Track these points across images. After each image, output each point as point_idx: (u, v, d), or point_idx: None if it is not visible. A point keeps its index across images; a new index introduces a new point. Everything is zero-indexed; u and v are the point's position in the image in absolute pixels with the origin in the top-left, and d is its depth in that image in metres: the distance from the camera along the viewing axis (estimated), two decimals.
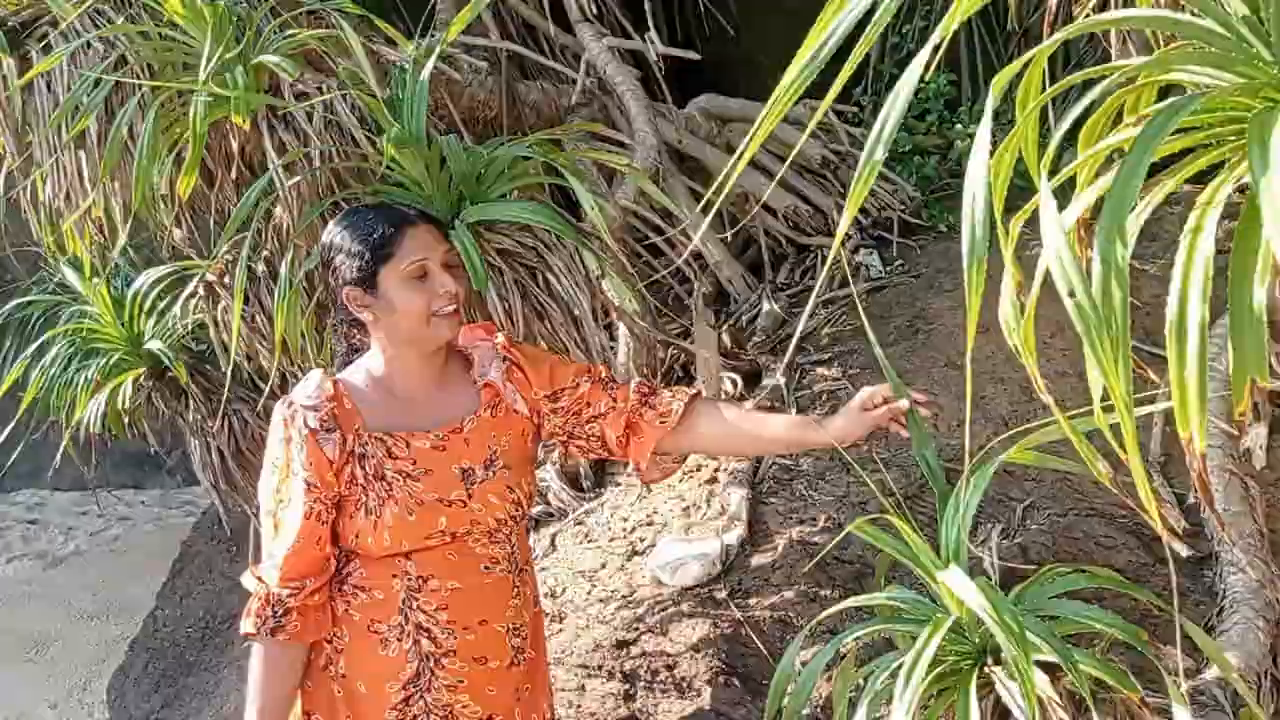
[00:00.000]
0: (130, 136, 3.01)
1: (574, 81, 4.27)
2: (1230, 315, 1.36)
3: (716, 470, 3.27)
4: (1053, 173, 1.43)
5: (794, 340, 3.61)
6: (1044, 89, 1.63)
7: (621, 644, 2.77)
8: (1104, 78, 1.50)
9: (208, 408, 4.30)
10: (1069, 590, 2.05)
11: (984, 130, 1.39)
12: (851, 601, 2.13)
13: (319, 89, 2.99)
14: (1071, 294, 1.28)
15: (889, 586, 2.27)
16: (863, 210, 4.26)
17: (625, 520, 3.31)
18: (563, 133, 3.26)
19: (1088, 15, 1.78)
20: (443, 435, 2.06)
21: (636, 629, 2.80)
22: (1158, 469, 2.87)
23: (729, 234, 4.28)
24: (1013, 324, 1.65)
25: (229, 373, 4.17)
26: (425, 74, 2.94)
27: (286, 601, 1.94)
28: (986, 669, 1.98)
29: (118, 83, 2.98)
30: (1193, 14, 1.47)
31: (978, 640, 2.04)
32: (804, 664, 2.43)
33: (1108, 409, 1.35)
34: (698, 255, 4.26)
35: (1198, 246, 1.38)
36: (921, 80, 3.93)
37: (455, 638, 2.06)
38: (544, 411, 2.19)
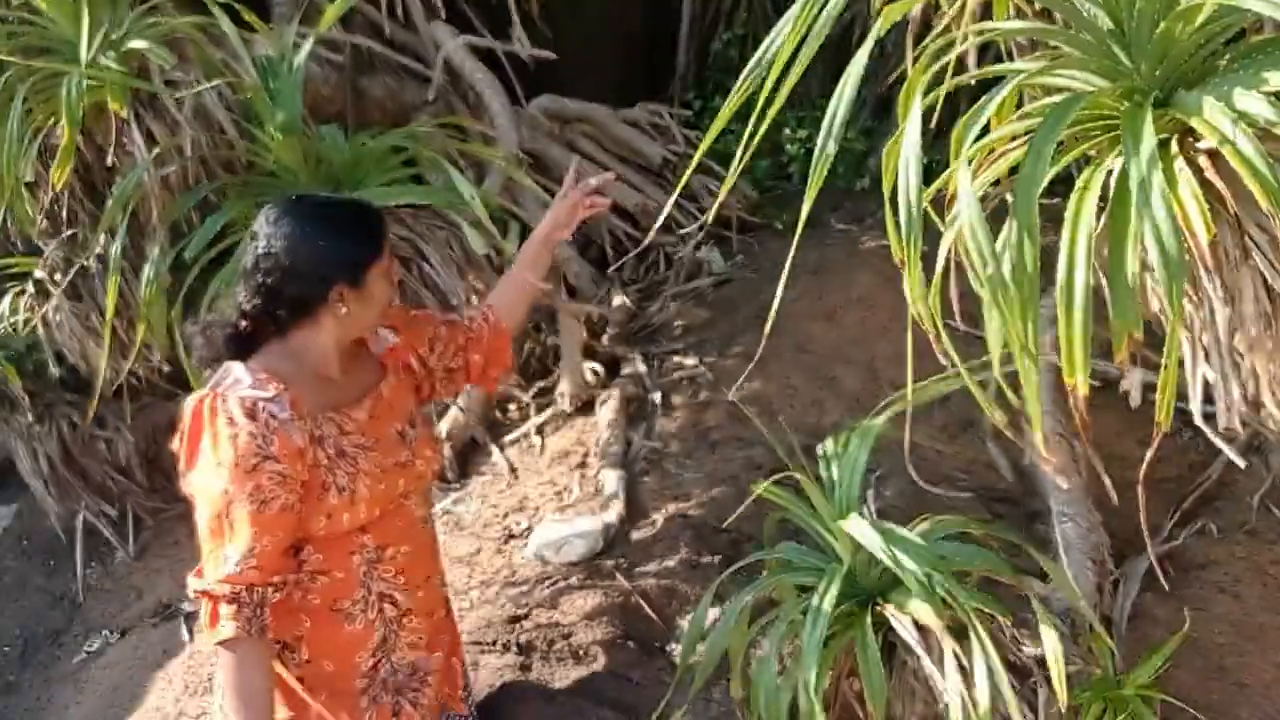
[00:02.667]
0: None
1: (418, 77, 4.33)
2: (1110, 279, 1.62)
3: (586, 455, 3.41)
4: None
5: (651, 330, 3.81)
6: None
7: (514, 619, 2.87)
8: (1000, 78, 1.73)
9: (35, 411, 4.11)
10: (943, 535, 2.31)
11: (913, 127, 1.59)
12: (754, 557, 2.32)
13: (190, 77, 2.96)
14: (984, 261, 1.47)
15: (779, 546, 2.48)
16: (701, 209, 4.50)
17: (496, 507, 3.40)
18: (428, 126, 3.34)
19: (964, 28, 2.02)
20: (372, 403, 2.13)
21: (525, 605, 2.91)
22: (991, 436, 3.19)
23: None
24: (916, 295, 1.86)
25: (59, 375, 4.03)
26: (300, 64, 2.97)
27: (270, 598, 1.93)
28: (879, 608, 2.20)
29: None
30: (1068, 26, 1.73)
31: (867, 585, 2.26)
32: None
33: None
34: None
35: (1080, 223, 1.62)
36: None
37: (411, 596, 2.15)
38: (430, 364, 2.32)
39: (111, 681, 3.67)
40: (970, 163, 1.82)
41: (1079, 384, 1.56)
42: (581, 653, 2.73)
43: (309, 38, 3.11)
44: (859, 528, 2.10)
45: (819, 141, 1.76)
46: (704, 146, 2.12)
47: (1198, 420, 1.80)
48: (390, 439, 2.13)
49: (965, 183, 1.48)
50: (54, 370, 3.86)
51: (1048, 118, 1.56)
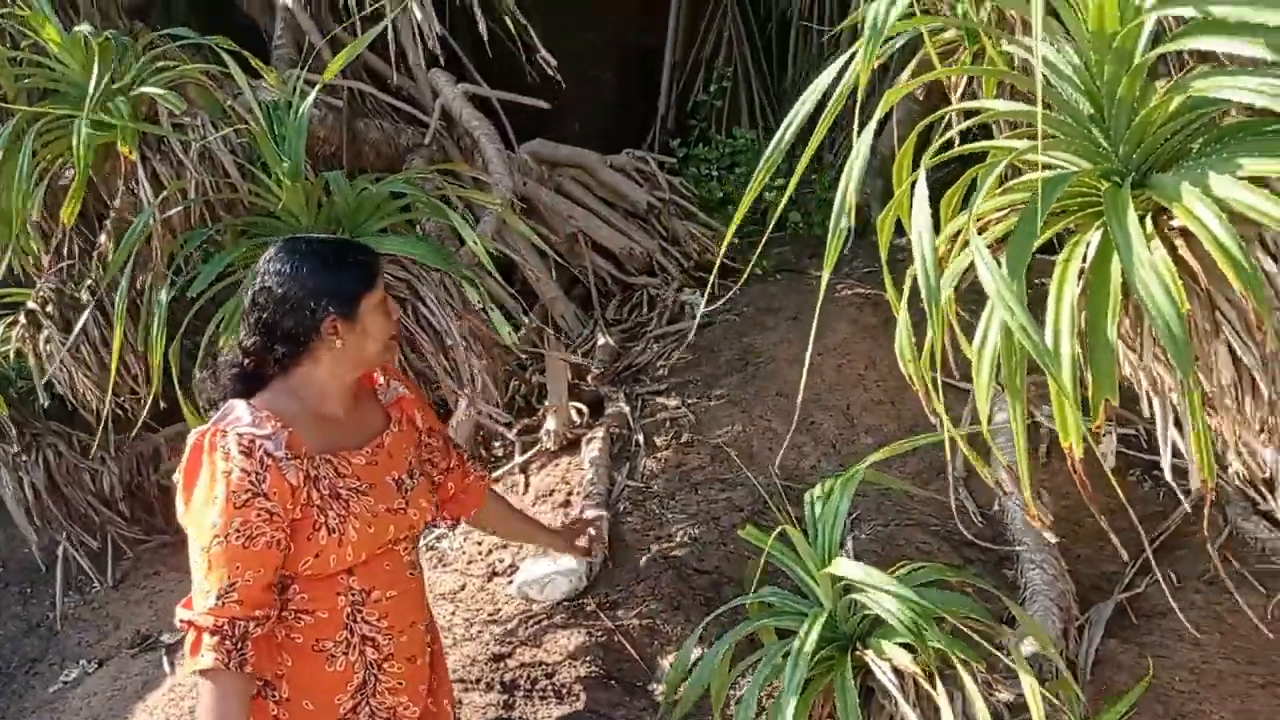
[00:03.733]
0: None
1: (413, 121, 4.43)
2: (1089, 348, 1.73)
3: (569, 494, 3.48)
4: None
5: (634, 370, 3.91)
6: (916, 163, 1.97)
7: (497, 657, 2.93)
8: (985, 154, 1.85)
9: (21, 441, 4.13)
10: (922, 582, 2.41)
11: (921, 201, 1.70)
12: (737, 601, 2.41)
13: (195, 121, 3.03)
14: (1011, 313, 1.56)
15: (760, 590, 2.57)
16: (684, 254, 4.61)
17: (480, 544, 3.46)
18: (425, 171, 3.43)
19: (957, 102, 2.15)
20: (372, 451, 2.22)
21: (510, 643, 2.97)
22: (961, 484, 3.31)
23: (552, 271, 4.53)
24: (907, 356, 1.97)
25: (46, 405, 4.06)
26: (305, 110, 3.05)
27: (253, 632, 1.99)
28: (858, 653, 2.29)
29: None
30: (1048, 109, 1.85)
31: (847, 630, 2.35)
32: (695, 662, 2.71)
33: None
34: (530, 291, 4.48)
35: (1064, 293, 1.74)
36: (730, 136, 4.36)
37: (393, 641, 2.21)
38: (420, 439, 2.40)
39: (91, 712, 3.68)
40: (959, 233, 1.94)
41: (1075, 447, 1.67)
42: (564, 691, 2.80)
43: (311, 83, 3.20)
44: (852, 569, 2.20)
45: (833, 218, 1.86)
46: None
47: (1169, 476, 1.90)
48: (386, 486, 2.21)
49: (983, 252, 1.58)
50: (43, 400, 3.88)
51: (1038, 191, 1.67)
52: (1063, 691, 2.42)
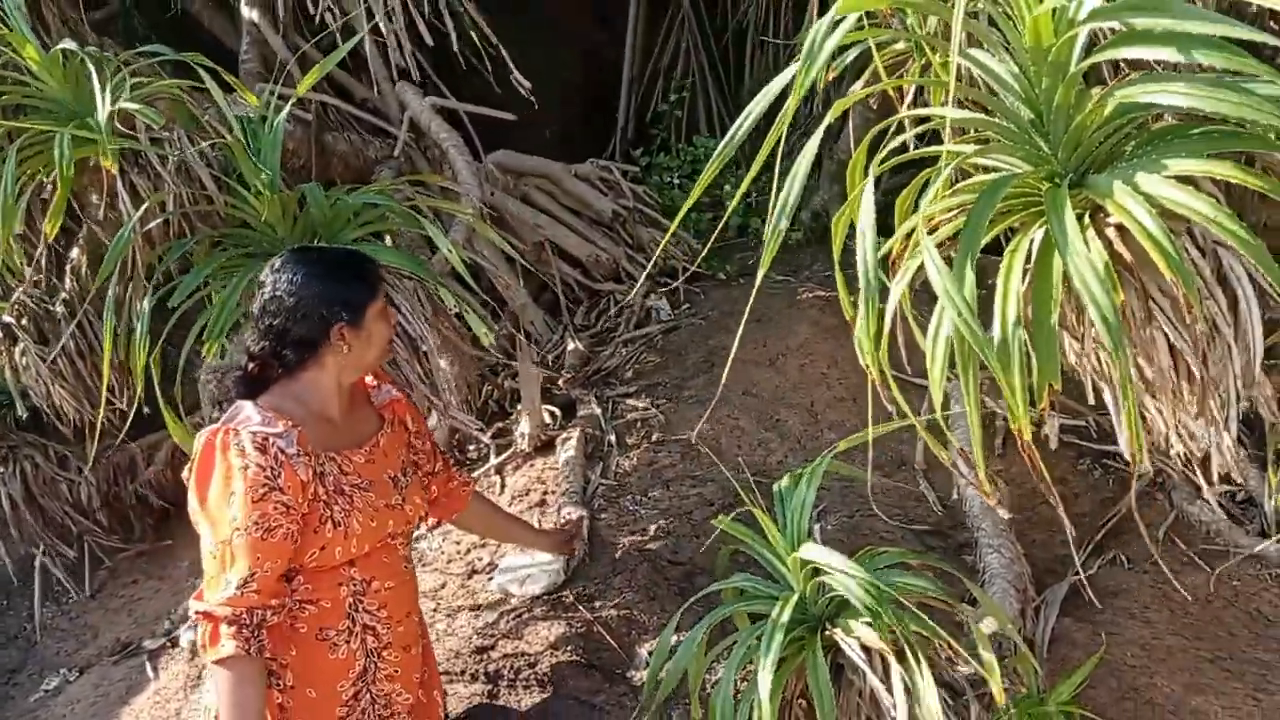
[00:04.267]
0: None
1: (380, 133, 4.53)
2: (1034, 337, 1.86)
3: (545, 494, 3.58)
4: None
5: (604, 374, 4.02)
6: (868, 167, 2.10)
7: (480, 649, 3.03)
8: (935, 158, 1.98)
9: None
10: (884, 565, 2.53)
11: (867, 202, 1.82)
12: (713, 588, 2.53)
13: (172, 135, 3.11)
14: (959, 313, 1.69)
15: (737, 575, 2.68)
16: (648, 259, 4.73)
17: (459, 543, 3.56)
18: (398, 183, 3.52)
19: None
20: (369, 450, 2.35)
21: (492, 635, 3.07)
22: (921, 474, 3.44)
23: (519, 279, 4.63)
24: (867, 348, 2.09)
25: (25, 417, 4.10)
26: (280, 124, 3.13)
27: (269, 620, 2.11)
28: (828, 633, 2.41)
29: None
30: (989, 115, 1.98)
31: (816, 612, 2.47)
32: (652, 654, 2.82)
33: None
34: (499, 298, 4.57)
35: (1010, 286, 1.87)
36: (690, 144, 4.47)
37: (391, 630, 2.34)
38: (409, 440, 2.53)
39: (75, 718, 3.73)
40: (912, 232, 2.07)
41: (1024, 428, 1.80)
42: (546, 680, 2.90)
43: (285, 98, 3.29)
44: (818, 553, 2.32)
45: (771, 219, 1.98)
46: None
47: (1128, 456, 2.02)
48: (383, 483, 2.34)
49: (931, 250, 1.70)
50: (21, 412, 3.93)
51: (982, 194, 1.80)
52: (1021, 666, 2.55)
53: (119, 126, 3.05)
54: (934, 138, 2.36)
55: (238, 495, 2.09)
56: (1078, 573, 3.07)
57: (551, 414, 3.89)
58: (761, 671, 2.26)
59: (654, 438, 3.69)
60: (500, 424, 4.03)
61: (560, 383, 4.11)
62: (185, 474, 2.24)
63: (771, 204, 2.03)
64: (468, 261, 3.21)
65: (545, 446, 3.80)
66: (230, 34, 5.87)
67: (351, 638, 2.28)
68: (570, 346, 4.29)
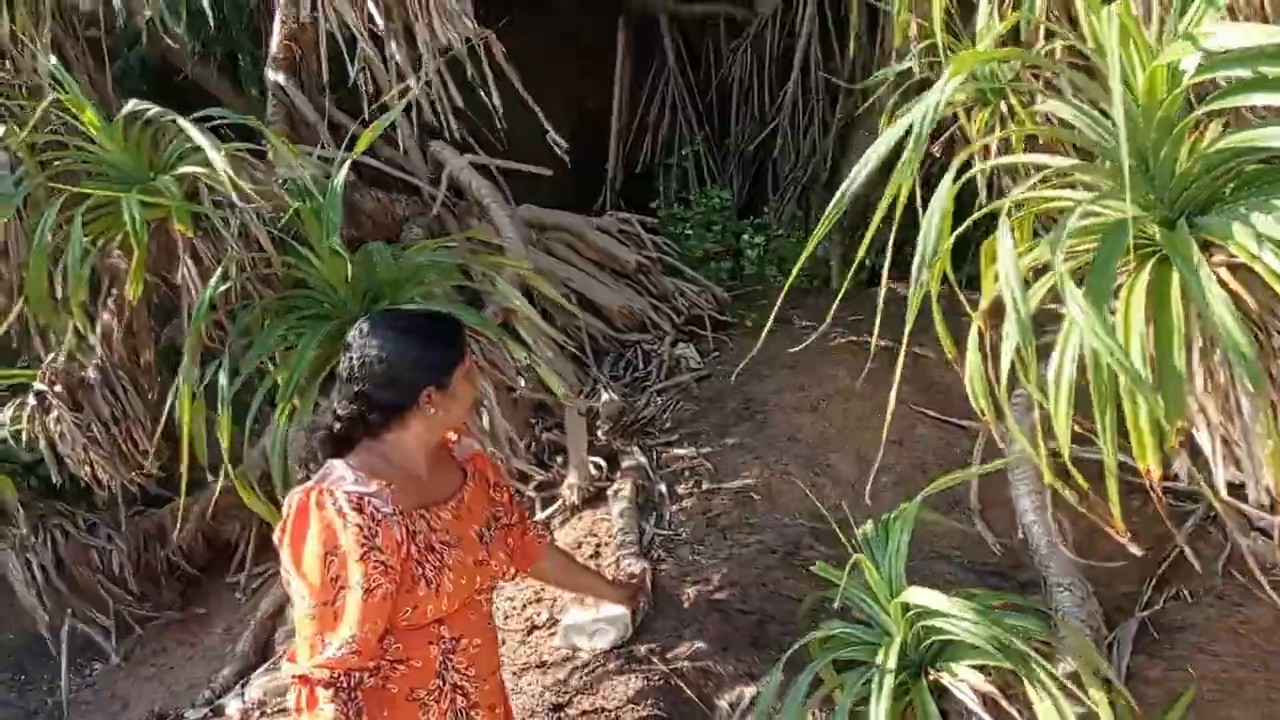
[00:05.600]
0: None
1: (408, 190, 4.55)
2: (1160, 376, 1.90)
3: (599, 545, 3.57)
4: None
5: (642, 424, 4.04)
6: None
7: (555, 707, 3.00)
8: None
9: (29, 523, 4.10)
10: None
11: (1006, 245, 1.86)
12: (817, 634, 2.54)
13: (229, 200, 3.11)
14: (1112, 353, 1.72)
15: (826, 623, 2.69)
16: (674, 310, 4.77)
17: (513, 600, 3.54)
18: (452, 240, 3.55)
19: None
20: (456, 505, 2.33)
21: (565, 693, 3.04)
22: (978, 514, 3.48)
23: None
24: (979, 390, 2.12)
25: (60, 485, 4.05)
26: (339, 184, 3.15)
27: (366, 683, 2.10)
28: (931, 677, 2.42)
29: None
30: (1092, 159, 2.04)
31: (916, 656, 2.48)
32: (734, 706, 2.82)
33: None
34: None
35: (1132, 326, 1.91)
36: (704, 196, 4.55)
37: (479, 690, 2.31)
38: (490, 495, 2.52)
39: None
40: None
41: (1153, 467, 1.83)
42: None
43: (327, 159, 3.32)
44: (925, 596, 2.33)
45: (913, 273, 2.01)
46: None
47: (1223, 493, 2.06)
48: (470, 538, 2.32)
49: (1076, 294, 1.74)
50: (56, 480, 3.88)
51: (1106, 238, 1.85)
52: (1117, 703, 2.57)
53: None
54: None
55: (336, 555, 2.07)
56: (1145, 608, 3.10)
57: (597, 465, 3.89)
58: (876, 713, 2.27)
59: (704, 486, 3.70)
60: (541, 476, 4.02)
61: (600, 434, 4.11)
62: (276, 535, 2.20)
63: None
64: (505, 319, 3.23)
65: (593, 498, 3.80)
66: (229, 95, 5.89)
67: (441, 697, 2.25)
68: (605, 398, 4.30)
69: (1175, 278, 1.92)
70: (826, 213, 2.28)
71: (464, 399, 2.32)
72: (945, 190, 1.99)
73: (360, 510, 2.10)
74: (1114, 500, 1.97)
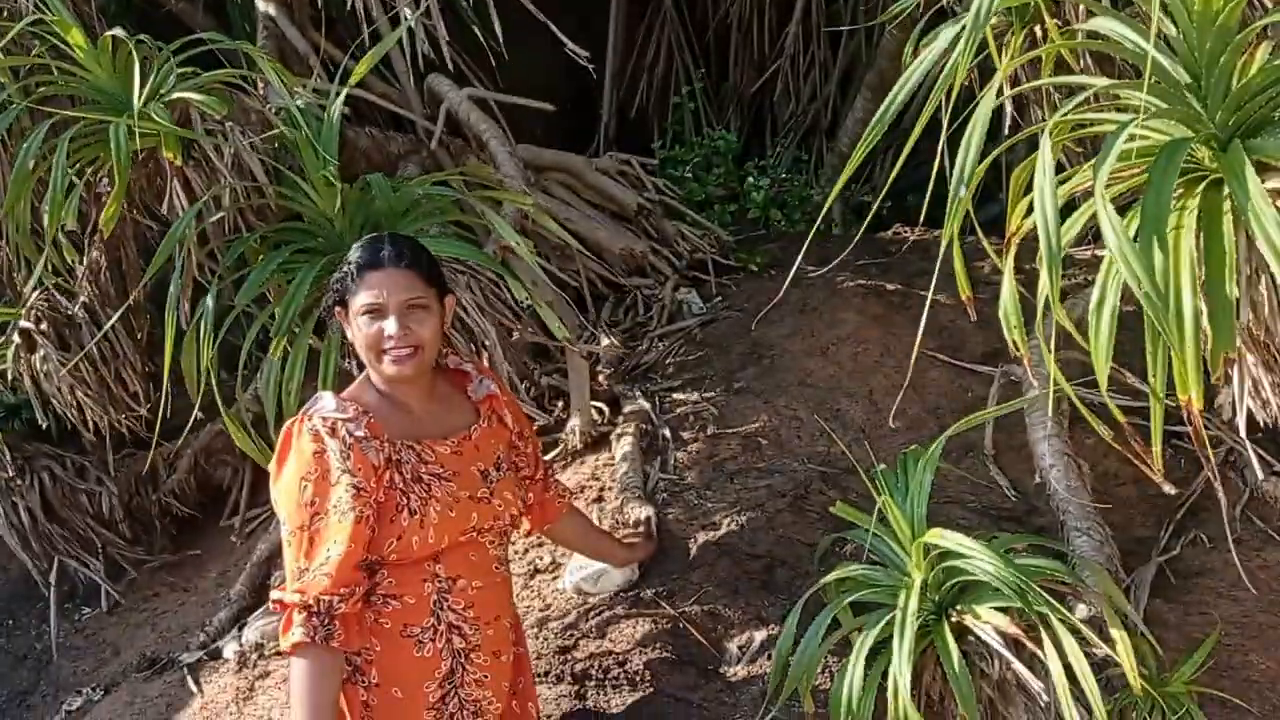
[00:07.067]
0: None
1: (402, 127, 4.41)
2: (1210, 305, 1.82)
3: (602, 490, 3.49)
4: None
5: (644, 369, 3.96)
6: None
7: (563, 649, 2.93)
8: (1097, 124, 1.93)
9: (15, 465, 4.00)
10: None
11: (1046, 164, 1.76)
12: (833, 575, 2.47)
13: (224, 127, 2.98)
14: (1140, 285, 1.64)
15: (842, 565, 2.62)
16: (676, 254, 4.66)
17: (514, 544, 3.45)
18: (451, 174, 3.43)
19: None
20: (457, 442, 2.29)
21: (572, 636, 2.97)
22: (991, 460, 3.40)
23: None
24: (1013, 321, 2.03)
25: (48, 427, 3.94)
26: (335, 115, 3.02)
27: (338, 607, 2.06)
28: (954, 618, 2.36)
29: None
30: (1155, 82, 1.94)
31: (937, 598, 2.42)
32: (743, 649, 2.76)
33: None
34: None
35: (1182, 254, 1.82)
36: (708, 138, 4.41)
37: (480, 633, 2.27)
38: (511, 440, 2.46)
39: None
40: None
41: (1193, 399, 1.75)
42: (638, 678, 2.81)
43: (321, 91, 3.19)
44: (949, 537, 2.26)
45: (950, 194, 1.91)
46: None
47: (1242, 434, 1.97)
48: (471, 474, 2.28)
49: (1116, 223, 1.65)
50: (42, 422, 3.77)
51: (1159, 157, 1.75)
52: (1139, 647, 2.51)
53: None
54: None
55: (313, 479, 2.08)
56: (1161, 553, 3.05)
57: (599, 410, 3.80)
58: (898, 660, 2.21)
59: (709, 431, 3.61)
60: (540, 422, 3.92)
61: (601, 378, 4.01)
62: (270, 467, 2.23)
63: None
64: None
65: (595, 443, 3.71)
66: (215, 30, 5.72)
67: (436, 636, 2.22)
68: (605, 342, 4.20)
69: (1227, 203, 1.83)
70: (854, 152, 2.18)
71: (360, 339, 2.21)
72: (984, 110, 1.88)
73: (333, 434, 2.11)
74: (1156, 436, 1.88)
